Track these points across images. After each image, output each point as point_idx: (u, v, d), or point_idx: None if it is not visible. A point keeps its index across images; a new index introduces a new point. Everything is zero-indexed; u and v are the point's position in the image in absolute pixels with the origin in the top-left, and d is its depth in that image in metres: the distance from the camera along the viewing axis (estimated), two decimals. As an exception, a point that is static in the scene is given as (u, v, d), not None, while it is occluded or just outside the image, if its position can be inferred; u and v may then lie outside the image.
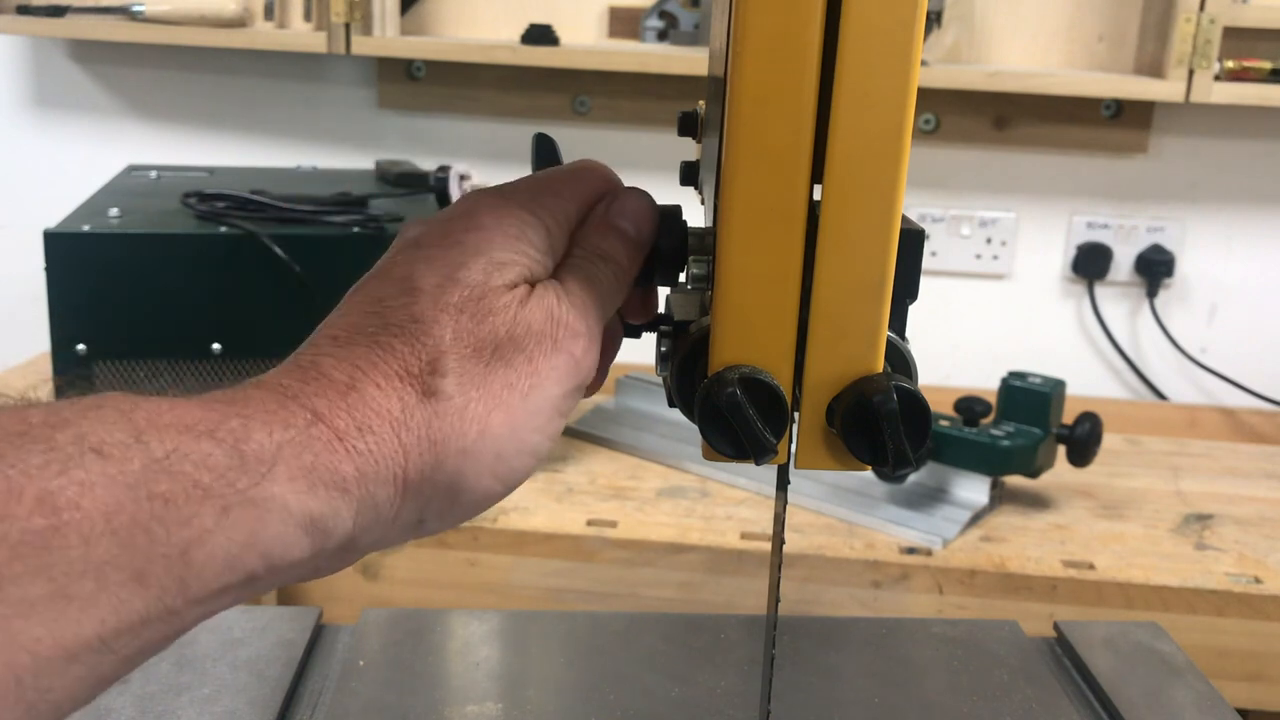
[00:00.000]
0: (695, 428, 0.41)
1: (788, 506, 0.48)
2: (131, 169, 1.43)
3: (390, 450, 0.35)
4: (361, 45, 1.39)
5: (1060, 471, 1.18)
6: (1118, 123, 1.47)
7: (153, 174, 1.39)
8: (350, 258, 1.09)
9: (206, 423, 0.33)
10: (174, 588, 0.31)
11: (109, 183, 1.34)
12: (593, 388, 0.44)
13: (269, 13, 1.47)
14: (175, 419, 0.33)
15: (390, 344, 0.37)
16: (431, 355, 0.37)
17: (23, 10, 1.44)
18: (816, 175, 0.38)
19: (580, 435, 1.35)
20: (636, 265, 0.44)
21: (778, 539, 0.48)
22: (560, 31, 1.42)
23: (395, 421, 0.36)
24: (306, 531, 0.34)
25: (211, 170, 1.43)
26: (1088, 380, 1.54)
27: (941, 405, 1.16)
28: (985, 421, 1.16)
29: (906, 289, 0.42)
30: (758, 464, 0.40)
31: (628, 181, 0.47)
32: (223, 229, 1.10)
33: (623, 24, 1.51)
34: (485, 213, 0.40)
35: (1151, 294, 1.51)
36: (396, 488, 0.36)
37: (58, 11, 1.43)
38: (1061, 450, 1.17)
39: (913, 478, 1.18)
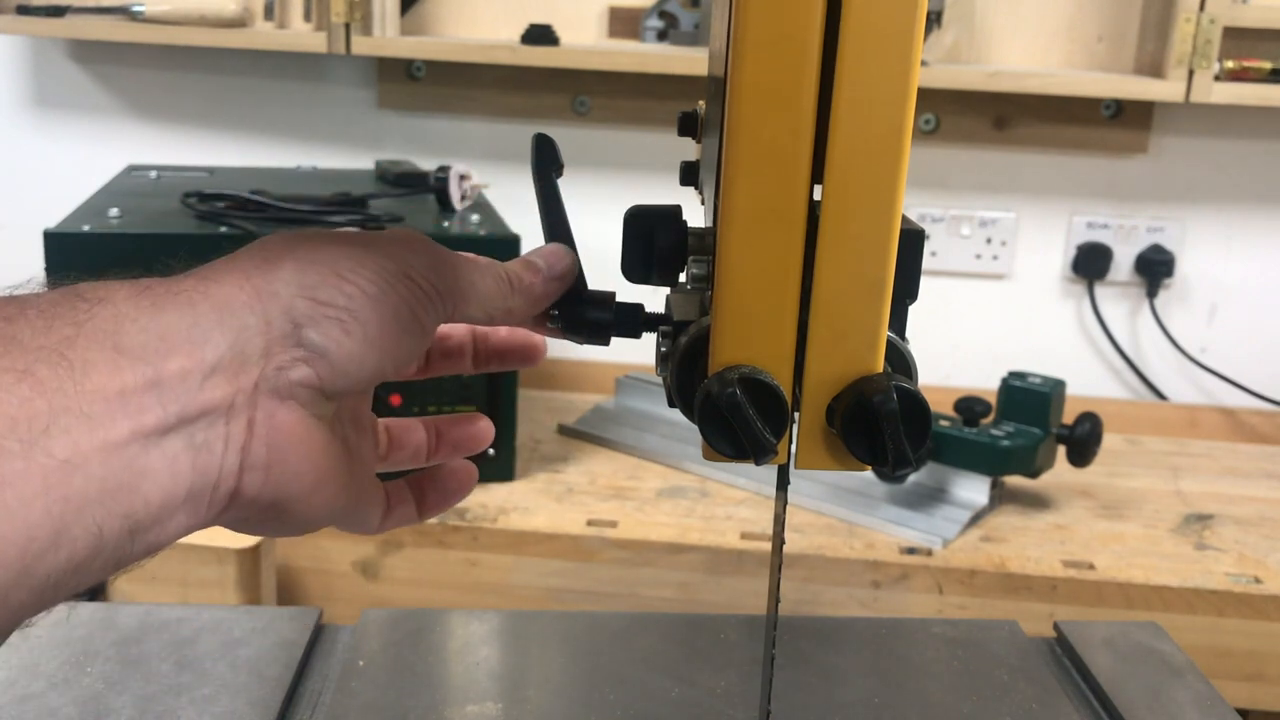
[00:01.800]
0: (695, 428, 0.41)
1: (788, 506, 0.48)
2: (131, 169, 1.43)
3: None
4: (361, 45, 1.39)
5: (1060, 471, 1.18)
6: (1118, 123, 1.47)
7: (153, 174, 1.39)
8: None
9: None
10: (70, 386, 0.33)
11: (109, 183, 1.34)
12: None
13: (269, 13, 1.47)
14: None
15: None
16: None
17: (23, 10, 1.44)
18: (816, 175, 0.38)
19: (580, 435, 1.35)
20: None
21: (778, 539, 0.48)
22: (560, 31, 1.42)
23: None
24: (183, 336, 0.37)
25: (211, 170, 1.43)
26: (1088, 380, 1.54)
27: (941, 405, 1.16)
28: (985, 421, 1.16)
29: (906, 289, 0.42)
30: (758, 464, 0.40)
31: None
32: (223, 229, 1.10)
33: (623, 24, 1.51)
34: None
35: (1151, 294, 1.51)
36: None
37: (58, 11, 1.43)
38: (1061, 450, 1.17)
39: (913, 478, 1.18)
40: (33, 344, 0.33)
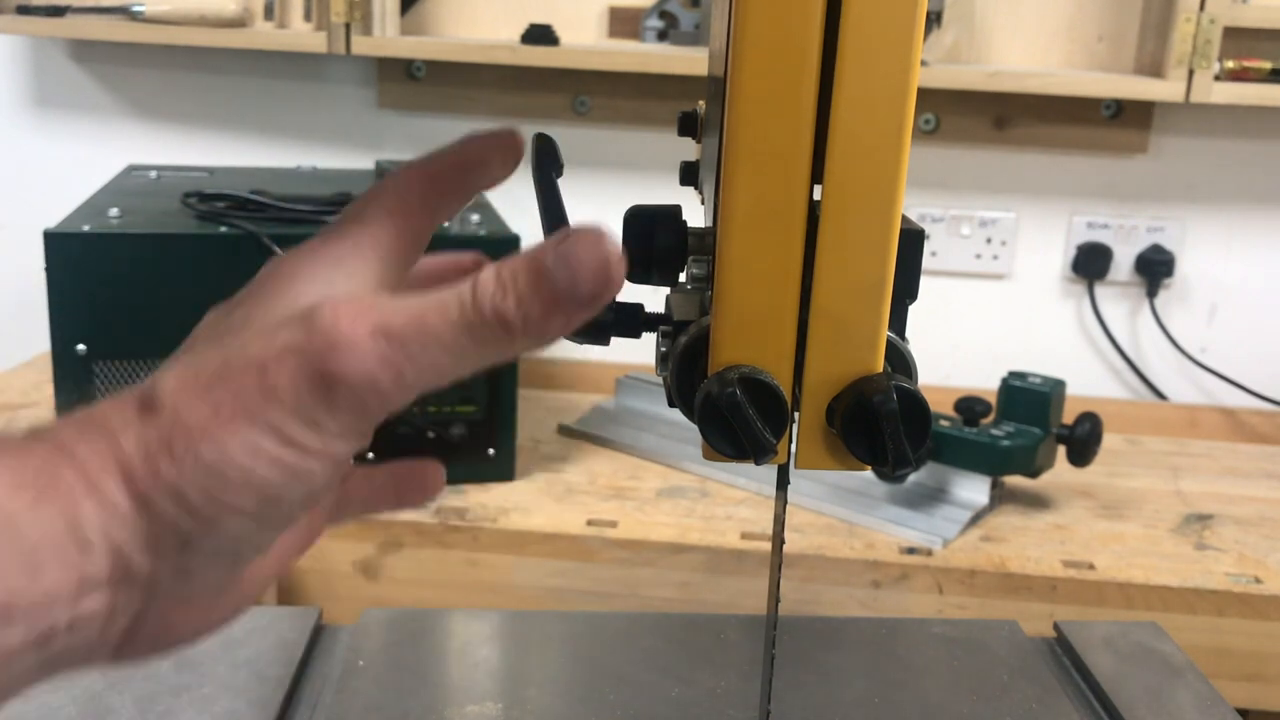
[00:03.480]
0: (695, 428, 0.41)
1: (788, 506, 0.48)
2: (131, 169, 1.43)
3: (109, 455, 0.32)
4: (361, 45, 1.39)
5: (1060, 471, 1.18)
6: (1118, 123, 1.47)
7: (153, 174, 1.39)
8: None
9: None
10: None
11: (109, 183, 1.34)
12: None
13: (269, 13, 1.47)
14: None
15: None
16: (160, 374, 0.34)
17: (23, 10, 1.44)
18: (816, 175, 0.38)
19: (580, 435, 1.35)
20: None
21: (778, 539, 0.48)
22: (560, 31, 1.42)
23: (113, 430, 0.33)
24: (52, 548, 0.31)
25: (211, 170, 1.43)
26: (1088, 380, 1.54)
27: (941, 405, 1.16)
28: (985, 421, 1.16)
29: (906, 289, 0.42)
30: (758, 464, 0.40)
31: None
32: (223, 229, 1.10)
33: (623, 24, 1.51)
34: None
35: (1151, 294, 1.51)
36: (128, 496, 0.32)
37: (58, 11, 1.43)
38: (1061, 450, 1.17)
39: (913, 478, 1.18)
40: None
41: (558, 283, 0.33)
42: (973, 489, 1.16)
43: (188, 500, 0.32)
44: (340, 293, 0.36)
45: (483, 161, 0.42)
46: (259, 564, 0.38)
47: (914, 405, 0.40)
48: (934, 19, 1.42)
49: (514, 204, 1.25)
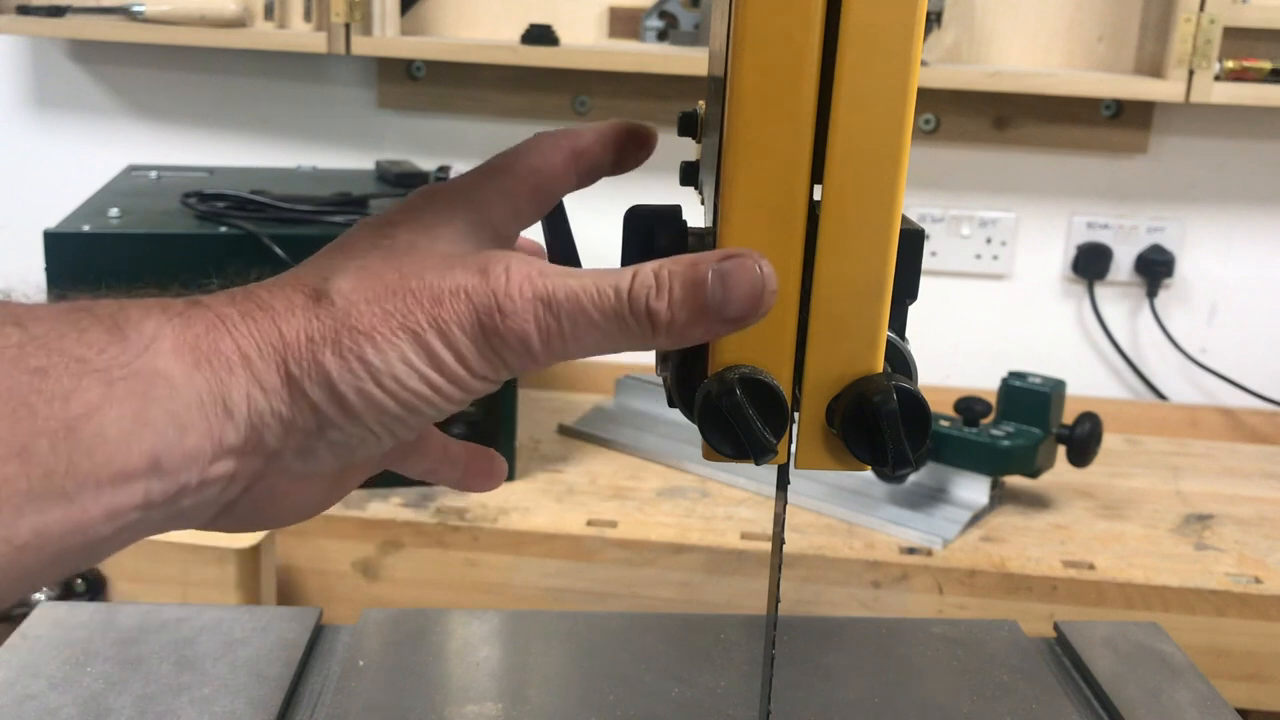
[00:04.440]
0: (695, 428, 0.41)
1: (788, 506, 0.48)
2: (131, 169, 1.43)
3: (270, 335, 0.35)
4: (361, 45, 1.39)
5: (1060, 471, 1.18)
6: (1118, 123, 1.47)
7: (153, 174, 1.39)
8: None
9: (84, 306, 0.34)
10: (62, 467, 0.30)
11: (109, 183, 1.34)
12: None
13: (269, 13, 1.47)
14: (52, 309, 0.33)
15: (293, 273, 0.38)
16: (327, 272, 0.37)
17: (23, 10, 1.44)
18: (816, 175, 0.38)
19: (580, 435, 1.35)
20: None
21: (778, 539, 0.48)
22: (560, 31, 1.42)
23: (276, 314, 0.36)
24: (200, 410, 0.33)
25: (211, 170, 1.43)
26: (1088, 380, 1.54)
27: (941, 405, 1.16)
28: (985, 421, 1.16)
29: (906, 289, 0.42)
30: (758, 464, 0.40)
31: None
32: (223, 229, 1.10)
33: (623, 24, 1.51)
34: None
35: (1151, 294, 1.51)
36: (280, 376, 0.35)
37: (58, 11, 1.43)
38: (1061, 450, 1.17)
39: (913, 478, 1.18)
40: (43, 409, 0.31)
41: (711, 298, 0.36)
42: (973, 489, 1.16)
43: (338, 392, 0.35)
44: (487, 235, 0.40)
45: (623, 148, 0.45)
46: (358, 469, 0.41)
47: (914, 405, 0.39)
48: (934, 19, 1.42)
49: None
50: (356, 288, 0.36)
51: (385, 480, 1.18)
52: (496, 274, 0.36)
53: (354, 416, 0.36)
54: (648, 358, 0.47)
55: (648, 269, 0.36)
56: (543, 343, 0.36)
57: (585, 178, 0.45)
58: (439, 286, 0.36)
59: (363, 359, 0.35)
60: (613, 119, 0.45)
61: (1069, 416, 1.17)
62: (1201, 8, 1.30)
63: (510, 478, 1.21)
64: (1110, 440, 1.27)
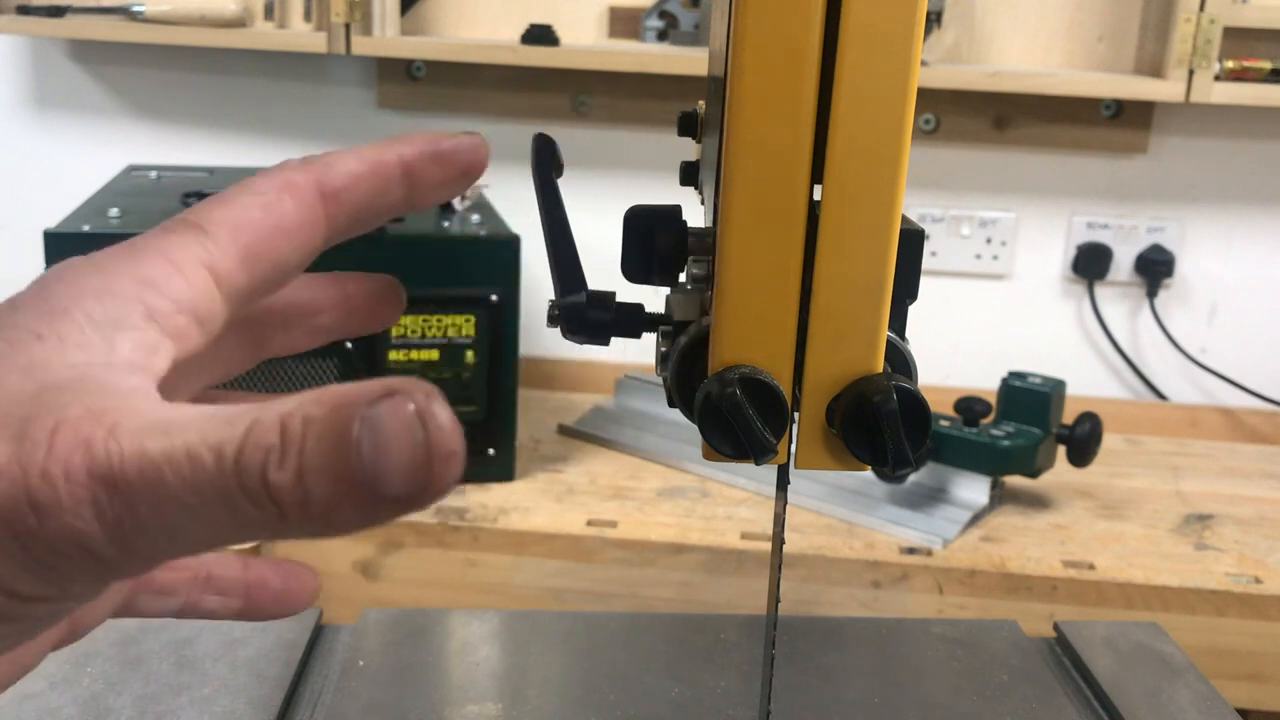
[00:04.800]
0: (695, 428, 0.41)
1: (788, 506, 0.48)
2: (131, 169, 1.43)
3: None
4: (361, 45, 1.39)
5: (1060, 471, 1.18)
6: (1118, 123, 1.47)
7: (153, 174, 1.39)
8: (350, 258, 1.09)
9: None
10: None
11: (109, 183, 1.34)
12: None
13: (269, 13, 1.47)
14: None
15: None
16: None
17: (23, 10, 1.44)
18: (816, 175, 0.38)
19: (580, 435, 1.35)
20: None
21: (778, 539, 0.48)
22: (560, 31, 1.42)
23: None
24: None
25: (211, 170, 1.43)
26: (1088, 380, 1.54)
27: (941, 405, 1.16)
28: (985, 421, 1.16)
29: (906, 289, 0.42)
30: (758, 464, 0.40)
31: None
32: (223, 229, 1.10)
33: (623, 24, 1.51)
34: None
35: (1151, 294, 1.51)
36: None
37: (58, 11, 1.43)
38: (1061, 450, 1.17)
39: (913, 478, 1.18)
40: None
41: (361, 465, 0.22)
42: (973, 489, 1.16)
43: None
44: (126, 352, 0.26)
45: (419, 179, 0.31)
46: None
47: (914, 405, 0.40)
48: (934, 19, 1.42)
49: (514, 203, 1.25)
50: None
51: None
52: (35, 439, 0.23)
53: None
54: (648, 357, 0.47)
55: (273, 414, 0.22)
56: (116, 545, 0.23)
57: (346, 228, 0.31)
58: None
59: None
60: (413, 132, 0.32)
61: (1069, 416, 1.17)
62: (1201, 8, 1.30)
63: (510, 478, 1.21)
64: (1110, 440, 1.27)
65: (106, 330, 0.26)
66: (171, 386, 0.27)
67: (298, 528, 0.23)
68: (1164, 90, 1.33)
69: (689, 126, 0.52)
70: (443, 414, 0.22)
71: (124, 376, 0.25)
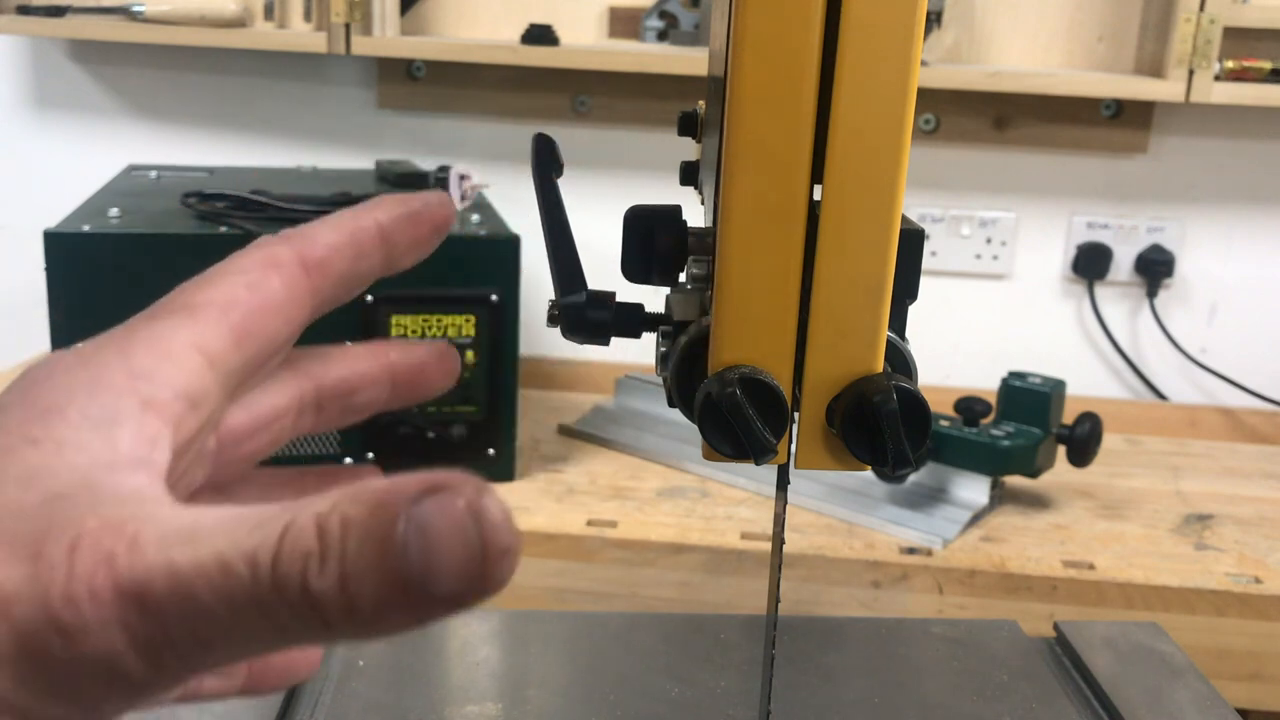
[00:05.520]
0: (695, 428, 0.41)
1: (788, 506, 0.48)
2: (131, 169, 1.43)
3: None
4: (361, 45, 1.39)
5: (1060, 471, 1.18)
6: (1118, 123, 1.47)
7: (153, 174, 1.39)
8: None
9: None
10: None
11: (109, 183, 1.34)
12: None
13: (269, 13, 1.47)
14: None
15: None
16: None
17: (23, 10, 1.43)
18: (816, 175, 0.38)
19: (580, 435, 1.35)
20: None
21: (778, 539, 0.48)
22: (560, 31, 1.42)
23: None
24: None
25: (211, 170, 1.43)
26: (1088, 380, 1.54)
27: (941, 405, 1.16)
28: (985, 421, 1.16)
29: (906, 289, 0.42)
30: (758, 464, 0.40)
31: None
32: (223, 229, 1.10)
33: (623, 24, 1.51)
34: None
35: (1151, 294, 1.51)
36: None
37: (58, 11, 1.43)
38: (1061, 450, 1.17)
39: (913, 478, 1.18)
40: None
41: (409, 567, 0.21)
42: (973, 489, 1.16)
43: None
44: (126, 448, 0.25)
45: (392, 240, 0.32)
46: None
47: (914, 405, 0.40)
48: (934, 19, 1.42)
49: (514, 204, 1.25)
50: None
51: (385, 480, 1.18)
52: (54, 559, 0.22)
53: None
54: (648, 357, 0.47)
55: (308, 515, 0.21)
56: (146, 663, 0.22)
57: (330, 298, 0.31)
58: None
59: None
60: (380, 196, 0.32)
61: (1069, 416, 1.17)
62: (1201, 8, 1.30)
63: (510, 478, 1.21)
64: (1110, 440, 1.27)
65: (104, 427, 0.25)
66: (175, 478, 0.27)
67: (343, 634, 0.22)
68: (1164, 90, 1.33)
69: (689, 126, 0.52)
70: (495, 508, 0.22)
71: (129, 476, 0.24)
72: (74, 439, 0.24)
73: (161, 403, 0.26)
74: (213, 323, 0.28)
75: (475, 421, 1.17)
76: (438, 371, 0.35)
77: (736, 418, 0.39)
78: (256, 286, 0.29)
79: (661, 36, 1.48)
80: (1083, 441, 1.15)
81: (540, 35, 1.40)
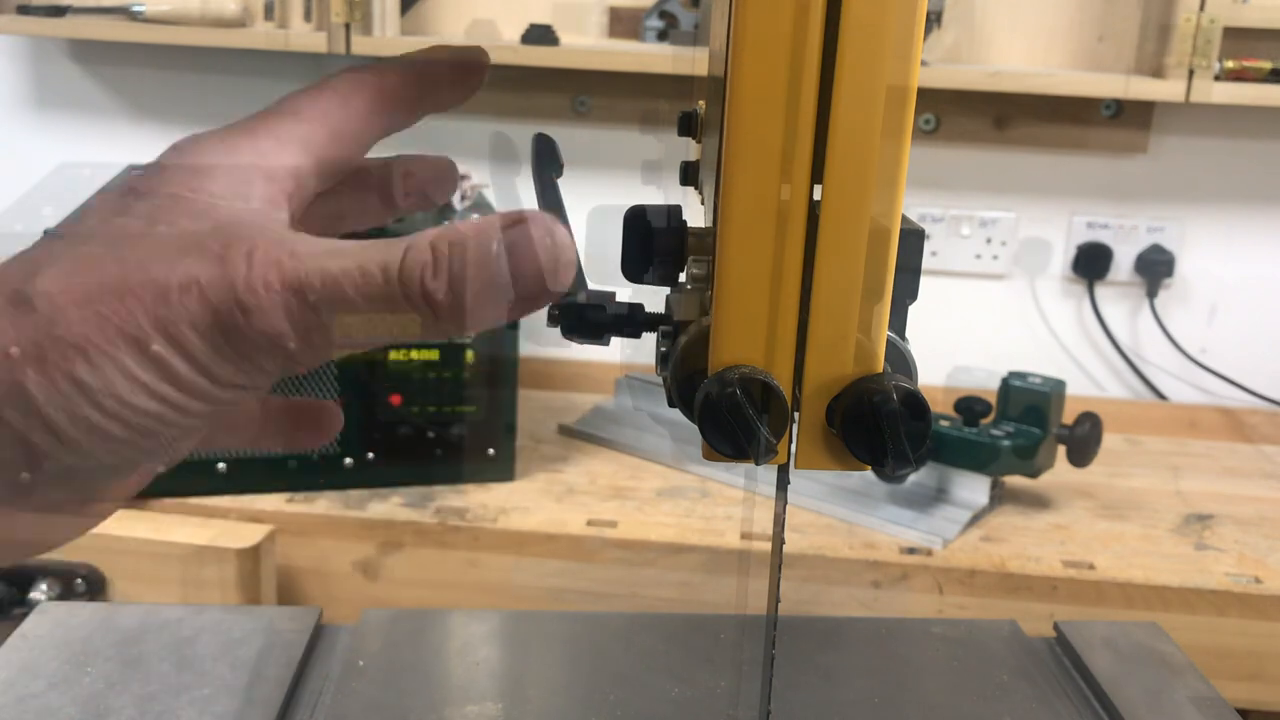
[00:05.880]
0: (695, 428, 0.41)
1: (788, 506, 0.48)
2: (132, 169, 1.43)
3: None
4: (361, 45, 1.39)
5: (1060, 471, 1.18)
6: (1118, 123, 1.47)
7: (153, 174, 1.39)
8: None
9: None
10: None
11: (109, 183, 1.34)
12: None
13: (269, 13, 1.47)
14: None
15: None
16: (37, 264, 0.31)
17: (23, 10, 1.43)
18: (816, 175, 0.38)
19: (580, 435, 1.35)
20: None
21: (778, 539, 0.48)
22: (560, 31, 1.42)
23: None
24: None
25: (211, 170, 1.43)
26: (1088, 380, 1.54)
27: (941, 405, 1.16)
28: (985, 421, 1.16)
29: (907, 289, 0.42)
30: (758, 464, 0.40)
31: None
32: (223, 229, 1.10)
33: (623, 24, 1.51)
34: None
35: (1151, 294, 1.51)
36: None
37: (58, 11, 1.43)
38: (1061, 450, 1.17)
39: (913, 478, 1.18)
40: None
41: (500, 271, 0.30)
42: (973, 489, 1.16)
43: (46, 416, 0.29)
44: (258, 205, 0.33)
45: (442, 79, 0.40)
46: (118, 486, 0.33)
47: (914, 405, 0.39)
48: (934, 19, 1.42)
49: (514, 203, 1.25)
50: (66, 287, 0.29)
51: (385, 480, 1.18)
52: (236, 261, 0.30)
53: (72, 446, 0.29)
54: (648, 357, 0.47)
55: (424, 241, 0.30)
56: (301, 340, 0.30)
57: (398, 119, 0.40)
58: (165, 280, 0.29)
59: (74, 378, 0.28)
60: (433, 45, 0.40)
61: (1069, 416, 1.17)
62: (1201, 8, 1.30)
63: (510, 478, 1.21)
64: (1110, 440, 1.27)
65: (241, 188, 0.33)
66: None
67: (447, 325, 0.30)
68: (1164, 90, 1.33)
69: (689, 126, 0.52)
70: (561, 234, 0.31)
71: (272, 219, 0.32)
72: (222, 193, 0.33)
73: (280, 178, 0.34)
74: (315, 124, 0.36)
75: (475, 421, 1.17)
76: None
77: (736, 418, 0.39)
78: (348, 102, 0.37)
79: (661, 36, 1.48)
80: (1083, 441, 1.15)
81: (540, 35, 1.40)
